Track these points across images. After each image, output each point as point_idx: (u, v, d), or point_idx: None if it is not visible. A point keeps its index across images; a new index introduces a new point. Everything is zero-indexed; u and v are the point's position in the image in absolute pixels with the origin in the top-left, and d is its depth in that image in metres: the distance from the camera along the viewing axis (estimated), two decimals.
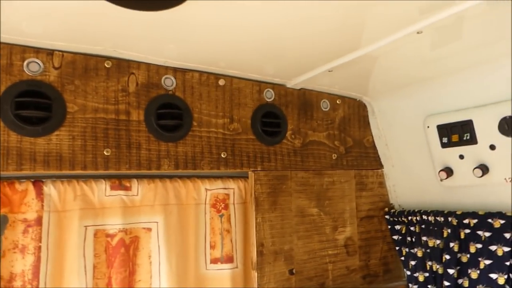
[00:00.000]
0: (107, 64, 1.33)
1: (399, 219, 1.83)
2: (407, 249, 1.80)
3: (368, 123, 1.92)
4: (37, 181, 1.25)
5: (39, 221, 1.23)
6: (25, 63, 1.22)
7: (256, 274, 1.51)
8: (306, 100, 1.75)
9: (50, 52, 1.26)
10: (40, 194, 1.24)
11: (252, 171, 1.56)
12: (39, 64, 1.24)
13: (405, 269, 1.82)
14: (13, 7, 1.02)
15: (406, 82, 1.69)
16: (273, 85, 1.67)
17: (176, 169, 1.41)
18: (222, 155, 1.50)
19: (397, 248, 1.86)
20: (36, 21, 1.11)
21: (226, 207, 1.55)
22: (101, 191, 1.33)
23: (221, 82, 1.54)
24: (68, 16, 1.10)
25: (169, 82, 1.44)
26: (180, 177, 1.48)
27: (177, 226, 1.44)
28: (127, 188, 1.37)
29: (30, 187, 1.23)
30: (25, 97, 1.19)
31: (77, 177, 1.31)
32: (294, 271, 1.60)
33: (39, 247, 1.21)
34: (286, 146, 1.66)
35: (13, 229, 1.20)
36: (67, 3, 1.02)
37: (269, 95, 1.65)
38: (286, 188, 1.62)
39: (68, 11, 1.06)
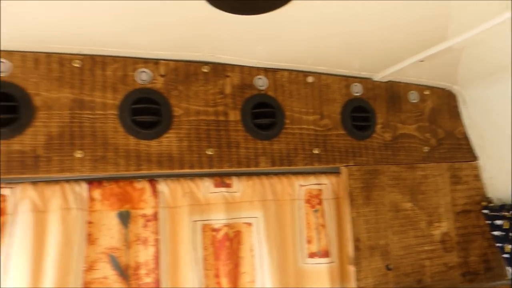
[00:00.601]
0: (205, 69, 1.42)
1: (500, 213, 1.73)
2: (510, 246, 1.69)
3: (459, 113, 1.83)
4: (152, 180, 1.36)
5: (155, 216, 1.34)
6: (136, 73, 1.34)
7: (353, 269, 1.51)
8: (394, 93, 1.72)
9: (156, 62, 1.37)
10: (155, 191, 1.35)
11: (345, 166, 1.57)
12: (148, 74, 1.36)
13: (509, 268, 1.71)
14: (124, 22, 1.13)
15: (499, 69, 1.59)
16: (360, 79, 1.66)
17: (273, 166, 1.46)
18: (315, 151, 1.53)
19: (498, 244, 1.75)
20: (144, 33, 1.23)
21: (320, 202, 1.57)
22: (206, 188, 1.42)
23: (310, 79, 1.57)
24: (172, 26, 1.19)
25: (261, 82, 1.50)
26: (275, 174, 1.53)
27: (275, 221, 1.48)
28: (228, 185, 1.45)
29: (147, 185, 1.35)
30: (139, 104, 1.31)
31: (185, 176, 1.41)
32: (390, 266, 1.57)
33: (158, 240, 1.33)
34: (377, 140, 1.65)
35: (135, 223, 1.33)
36: (172, 15, 1.12)
37: (356, 90, 1.65)
38: (379, 183, 1.61)
39: (172, 22, 1.16)
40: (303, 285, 1.51)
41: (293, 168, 1.51)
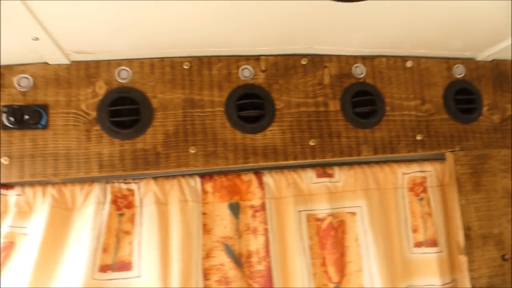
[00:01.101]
0: (304, 61, 1.44)
1: None
2: None
3: None
4: (258, 172, 1.42)
5: (263, 207, 1.39)
6: (239, 70, 1.40)
7: (465, 259, 1.44)
8: (501, 72, 1.60)
9: (257, 58, 1.41)
10: (261, 183, 1.41)
11: (450, 151, 1.50)
12: (250, 70, 1.40)
13: None
14: (228, 22, 1.18)
15: None
16: (462, 60, 1.57)
17: (375, 154, 1.44)
18: (418, 137, 1.48)
19: None
20: (246, 32, 1.27)
21: (425, 190, 1.52)
22: (308, 179, 1.44)
23: (409, 64, 1.51)
24: (272, 23, 1.22)
25: (359, 70, 1.48)
26: (377, 162, 1.51)
27: (379, 210, 1.47)
28: (330, 175, 1.46)
29: (253, 177, 1.41)
30: (243, 100, 1.37)
31: (287, 167, 1.45)
32: (506, 257, 1.48)
33: (266, 229, 1.38)
34: (484, 123, 1.55)
35: (244, 214, 1.39)
36: (273, 12, 1.15)
37: (459, 71, 1.56)
38: (489, 168, 1.51)
39: (273, 18, 1.19)
40: (411, 274, 1.47)
41: (395, 156, 1.48)
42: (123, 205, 1.31)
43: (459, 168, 1.49)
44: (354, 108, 1.44)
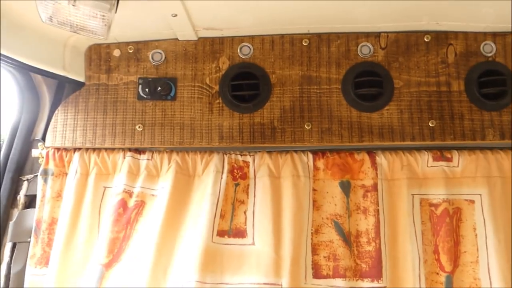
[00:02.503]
0: (427, 39, 1.37)
1: None
2: None
3: None
4: (371, 152, 1.40)
5: (375, 187, 1.37)
6: (358, 48, 1.37)
7: None
8: None
9: (377, 35, 1.37)
10: (374, 163, 1.38)
11: None
12: (369, 47, 1.37)
13: None
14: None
15: None
16: None
17: (502, 139, 1.34)
18: None
19: None
20: (368, 7, 1.23)
21: None
22: (424, 162, 1.38)
23: None
24: None
25: (488, 48, 1.37)
26: (501, 148, 1.40)
27: (501, 199, 1.36)
28: (448, 159, 1.38)
29: (366, 157, 1.39)
30: (361, 77, 1.35)
31: (402, 149, 1.40)
32: None
33: (378, 210, 1.36)
34: None
35: (355, 193, 1.39)
36: None
37: None
38: None
39: None
40: None
41: None
42: (238, 175, 1.37)
43: None
44: (481, 89, 1.34)
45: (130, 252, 1.33)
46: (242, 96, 1.36)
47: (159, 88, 1.35)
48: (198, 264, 1.26)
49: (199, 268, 1.25)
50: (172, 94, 1.37)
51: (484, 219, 1.36)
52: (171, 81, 1.37)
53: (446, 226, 1.36)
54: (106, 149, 1.38)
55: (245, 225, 1.34)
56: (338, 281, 1.32)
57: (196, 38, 1.37)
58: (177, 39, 1.37)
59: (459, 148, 1.40)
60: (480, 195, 1.37)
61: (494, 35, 1.37)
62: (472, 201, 1.38)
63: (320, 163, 1.39)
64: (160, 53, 1.38)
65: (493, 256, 1.34)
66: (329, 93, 1.36)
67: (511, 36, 1.37)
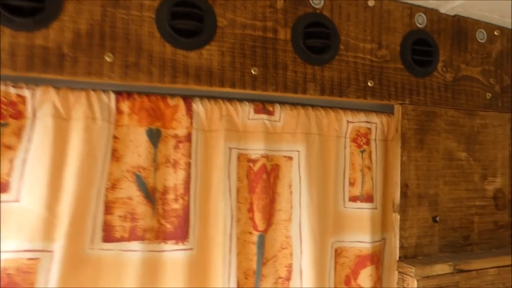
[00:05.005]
0: None
1: None
2: None
3: None
4: (187, 98, 1.21)
5: (188, 138, 1.20)
6: None
7: (398, 217, 1.38)
8: (461, 29, 1.51)
9: None
10: (189, 110, 1.20)
11: (400, 104, 1.40)
12: None
13: None
14: None
15: None
16: (425, 9, 1.45)
17: (322, 94, 1.30)
18: (369, 84, 1.35)
19: None
20: None
21: (368, 142, 1.41)
22: (245, 113, 1.26)
23: (371, 3, 1.36)
24: None
25: (317, 0, 1.30)
26: (322, 107, 1.37)
27: (318, 157, 1.34)
28: (270, 113, 1.29)
29: (181, 102, 1.20)
30: (179, 7, 1.14)
31: (222, 97, 1.25)
32: (438, 219, 1.43)
33: (189, 164, 1.19)
34: (437, 79, 1.46)
35: (165, 144, 1.19)
36: None
37: (420, 21, 1.44)
38: (435, 127, 1.44)
39: None
40: (341, 229, 1.38)
41: (343, 100, 1.34)
42: (8, 114, 1.04)
43: (405, 122, 1.39)
44: (306, 40, 1.27)
45: None
46: (19, 7, 1.02)
47: None
48: None
49: None
50: None
51: (300, 176, 1.32)
52: None
53: (263, 183, 1.28)
54: None
55: (10, 176, 1.02)
56: (135, 244, 1.12)
57: None
58: None
59: (283, 103, 1.32)
60: (298, 151, 1.32)
61: None
62: (290, 158, 1.33)
63: (125, 106, 1.15)
64: None
65: (305, 213, 1.31)
66: (140, 22, 1.12)
67: None
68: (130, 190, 1.13)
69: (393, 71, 1.39)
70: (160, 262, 1.15)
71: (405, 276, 1.32)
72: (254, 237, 1.27)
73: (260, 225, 1.27)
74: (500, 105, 1.56)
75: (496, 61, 1.56)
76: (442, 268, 1.32)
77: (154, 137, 1.17)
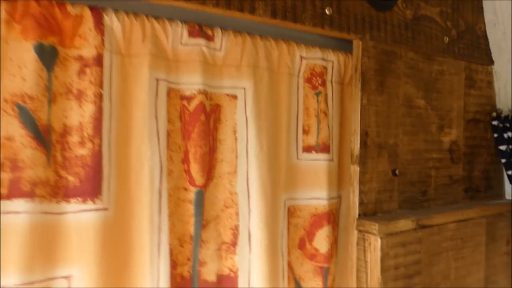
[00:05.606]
0: None
1: (511, 126, 1.51)
2: None
3: (482, 7, 1.54)
4: (96, 8, 0.89)
5: (99, 61, 0.88)
6: None
7: (357, 169, 1.20)
8: None
9: None
10: (99, 25, 0.88)
11: (360, 39, 1.21)
12: None
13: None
14: None
15: None
16: None
17: (273, 17, 1.05)
18: (327, 11, 1.14)
19: (503, 160, 1.55)
20: None
21: (324, 83, 1.20)
22: (177, 36, 0.97)
23: None
24: None
25: None
26: (273, 38, 1.13)
27: (267, 97, 1.10)
28: (209, 37, 1.01)
29: (87, 13, 0.87)
30: None
31: (146, 12, 0.95)
32: (397, 172, 1.29)
33: (101, 96, 0.88)
34: (397, 15, 1.30)
35: (66, 68, 0.86)
36: None
37: None
38: (395, 68, 1.28)
39: None
40: (295, 184, 1.16)
41: (297, 27, 1.11)
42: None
43: (365, 60, 1.21)
44: None
45: None
46: None
47: None
48: None
49: None
50: None
51: (246, 119, 1.07)
52: None
53: (201, 127, 1.01)
54: None
55: None
56: (20, 203, 0.79)
57: None
58: None
59: (226, 27, 1.06)
60: (244, 89, 1.07)
61: None
62: (235, 96, 1.07)
63: (3, 11, 0.80)
64: None
65: (253, 165, 1.07)
66: None
67: None
68: (10, 128, 0.79)
69: (352, 1, 1.19)
70: (60, 228, 0.83)
71: (366, 234, 1.15)
72: (191, 194, 1.00)
73: (198, 179, 1.00)
74: (456, 52, 1.46)
75: (453, 4, 1.45)
76: (405, 224, 1.17)
77: (47, 56, 0.83)
